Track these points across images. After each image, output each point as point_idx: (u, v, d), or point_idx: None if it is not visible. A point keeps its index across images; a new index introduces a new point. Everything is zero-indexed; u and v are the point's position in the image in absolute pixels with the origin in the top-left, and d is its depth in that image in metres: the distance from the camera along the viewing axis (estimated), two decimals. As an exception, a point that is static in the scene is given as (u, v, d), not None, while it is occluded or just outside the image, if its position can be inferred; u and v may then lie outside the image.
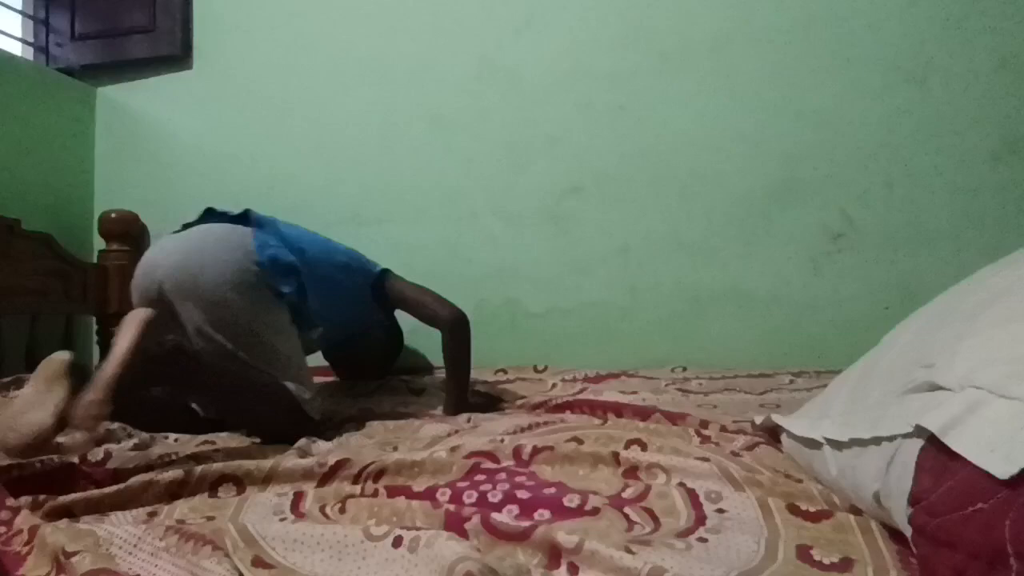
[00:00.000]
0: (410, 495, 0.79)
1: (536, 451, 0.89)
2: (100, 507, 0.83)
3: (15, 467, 0.88)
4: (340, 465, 0.89)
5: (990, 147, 1.54)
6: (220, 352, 1.18)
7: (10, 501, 0.78)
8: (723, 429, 0.99)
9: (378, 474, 0.87)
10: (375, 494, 0.81)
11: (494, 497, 0.74)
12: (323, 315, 1.34)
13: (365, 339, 1.62)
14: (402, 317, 1.57)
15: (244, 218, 1.37)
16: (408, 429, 1.21)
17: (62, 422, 0.95)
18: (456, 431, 1.14)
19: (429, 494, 0.78)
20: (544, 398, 1.33)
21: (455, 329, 1.38)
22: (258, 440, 1.18)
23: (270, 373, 1.20)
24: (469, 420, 1.25)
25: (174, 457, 1.00)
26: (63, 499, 0.83)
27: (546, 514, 0.69)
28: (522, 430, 1.11)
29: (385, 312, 1.55)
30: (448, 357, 1.39)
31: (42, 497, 0.83)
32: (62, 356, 1.01)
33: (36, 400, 0.96)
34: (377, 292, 1.47)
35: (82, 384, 0.97)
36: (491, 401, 1.43)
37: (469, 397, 1.39)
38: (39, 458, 0.92)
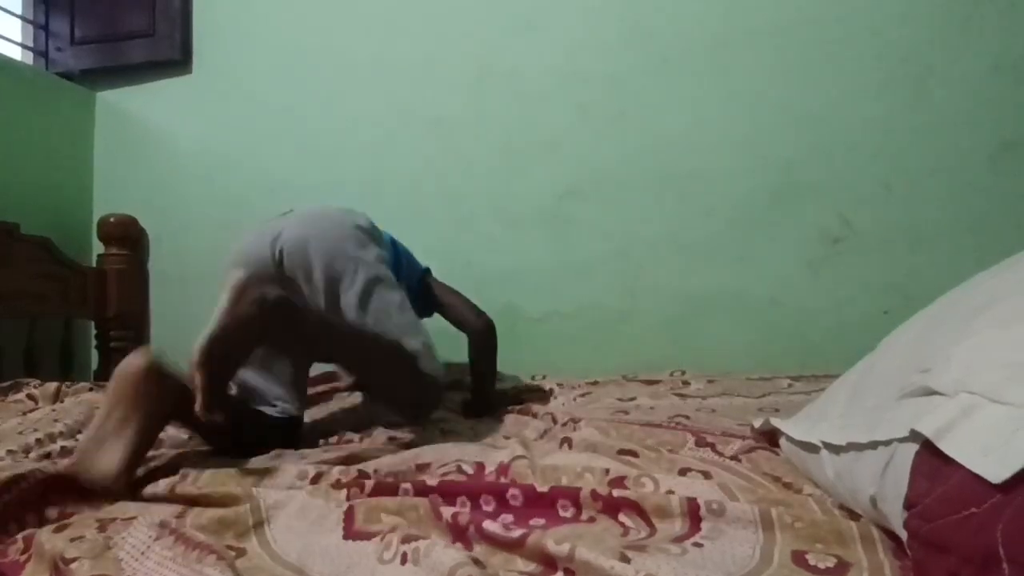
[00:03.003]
0: (410, 496, 0.79)
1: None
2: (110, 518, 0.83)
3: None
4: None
5: (987, 149, 1.54)
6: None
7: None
8: (723, 433, 0.99)
9: (377, 474, 0.87)
10: (375, 494, 0.81)
11: (487, 504, 0.74)
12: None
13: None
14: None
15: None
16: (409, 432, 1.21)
17: (134, 463, 0.87)
18: (456, 434, 1.14)
19: (430, 496, 0.78)
20: (550, 411, 1.31)
21: (489, 335, 1.41)
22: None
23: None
24: (486, 422, 1.27)
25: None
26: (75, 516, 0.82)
27: (540, 521, 0.69)
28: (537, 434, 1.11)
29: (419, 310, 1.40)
30: (477, 361, 1.41)
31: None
32: (137, 364, 0.89)
33: (109, 433, 0.86)
34: (418, 290, 1.47)
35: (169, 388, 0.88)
36: (506, 405, 1.45)
37: (492, 400, 1.41)
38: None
